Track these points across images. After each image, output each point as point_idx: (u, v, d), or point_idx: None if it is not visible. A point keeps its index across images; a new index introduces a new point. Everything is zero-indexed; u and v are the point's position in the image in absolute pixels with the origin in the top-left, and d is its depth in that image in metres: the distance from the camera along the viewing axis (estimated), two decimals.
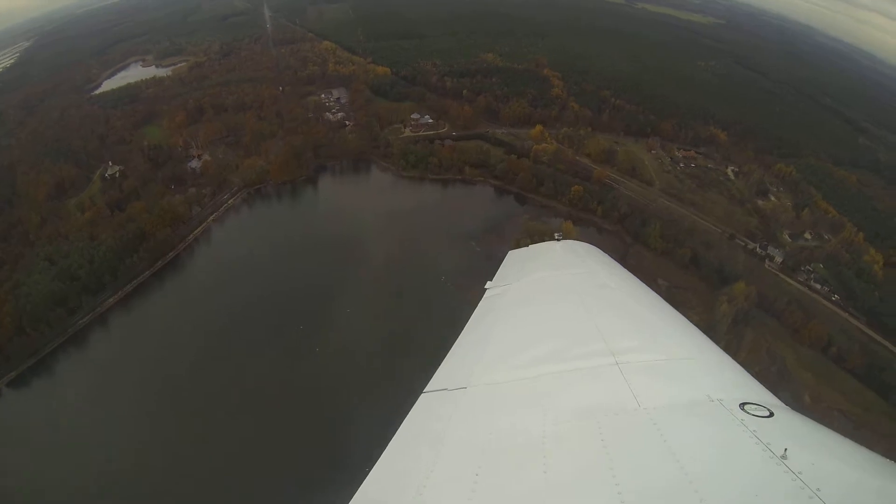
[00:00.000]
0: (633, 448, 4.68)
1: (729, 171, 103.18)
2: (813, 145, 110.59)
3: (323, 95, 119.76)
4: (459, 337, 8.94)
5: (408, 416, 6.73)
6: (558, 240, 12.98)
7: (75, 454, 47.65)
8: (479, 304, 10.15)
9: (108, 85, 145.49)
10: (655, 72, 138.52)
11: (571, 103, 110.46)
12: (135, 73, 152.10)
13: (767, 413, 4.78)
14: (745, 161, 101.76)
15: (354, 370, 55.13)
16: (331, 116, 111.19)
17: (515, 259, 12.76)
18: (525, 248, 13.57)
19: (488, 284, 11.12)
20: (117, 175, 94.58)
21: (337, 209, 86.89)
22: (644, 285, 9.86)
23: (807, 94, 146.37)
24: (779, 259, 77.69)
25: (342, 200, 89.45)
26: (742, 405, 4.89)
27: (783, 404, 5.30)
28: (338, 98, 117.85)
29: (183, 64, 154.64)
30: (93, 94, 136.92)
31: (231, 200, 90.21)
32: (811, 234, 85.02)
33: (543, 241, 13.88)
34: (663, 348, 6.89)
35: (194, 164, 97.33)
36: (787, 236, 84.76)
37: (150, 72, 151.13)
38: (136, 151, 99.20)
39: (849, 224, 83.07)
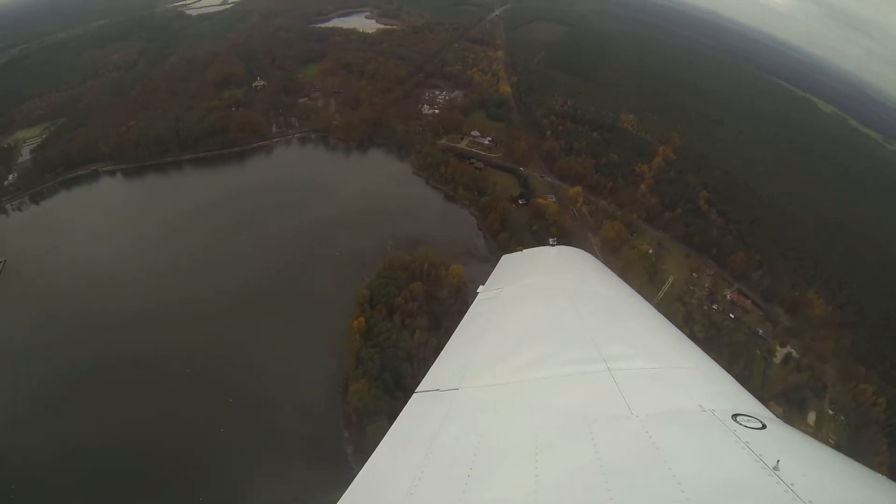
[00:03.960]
0: (626, 455, 4.94)
1: (778, 349, 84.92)
2: None
3: (437, 92, 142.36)
4: (451, 338, 9.84)
5: (399, 415, 7.42)
6: (552, 245, 13.84)
7: None
8: (472, 307, 11.09)
9: (333, 23, 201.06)
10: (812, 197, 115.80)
11: (643, 186, 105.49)
12: (355, 21, 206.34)
13: (760, 425, 5.06)
14: (816, 352, 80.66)
15: None
16: (424, 110, 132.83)
17: (509, 263, 13.50)
18: (519, 252, 14.35)
19: (481, 288, 11.97)
20: (259, 88, 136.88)
21: (338, 169, 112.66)
22: (637, 294, 10.75)
23: None
24: None
25: (349, 166, 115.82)
26: (735, 416, 5.20)
27: (775, 417, 5.69)
28: (446, 98, 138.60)
29: (392, 27, 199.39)
30: (312, 25, 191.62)
31: (298, 135, 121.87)
32: None
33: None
34: (656, 356, 7.42)
35: (304, 101, 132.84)
36: None
37: (368, 24, 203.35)
38: (279, 78, 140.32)
39: None
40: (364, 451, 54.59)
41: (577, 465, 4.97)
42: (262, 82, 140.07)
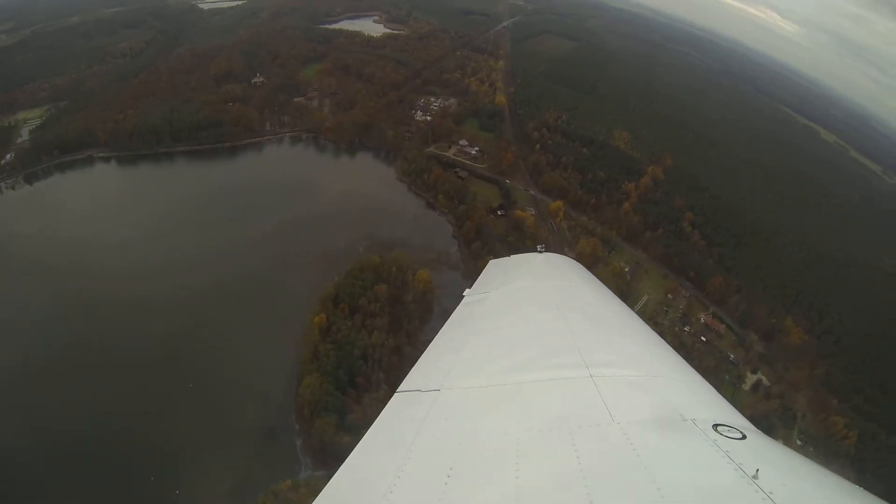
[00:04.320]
0: (606, 461, 5.05)
1: (749, 375, 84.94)
2: None
3: (433, 99, 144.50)
4: (434, 339, 9.95)
5: (380, 415, 7.34)
6: (540, 251, 14.10)
7: None
8: (457, 310, 11.23)
9: (341, 25, 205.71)
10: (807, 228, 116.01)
11: (626, 204, 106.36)
12: (363, 24, 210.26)
13: (740, 435, 5.20)
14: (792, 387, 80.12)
15: None
16: (417, 117, 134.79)
17: (496, 268, 13.84)
18: (506, 258, 14.50)
19: (467, 291, 12.20)
20: (258, 84, 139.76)
21: (324, 170, 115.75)
22: (622, 302, 11.21)
23: None
24: None
25: (335, 168, 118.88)
26: (715, 426, 5.31)
27: (755, 428, 5.83)
28: (439, 105, 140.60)
29: (399, 32, 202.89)
30: (319, 25, 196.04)
31: (290, 134, 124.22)
32: None
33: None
34: (638, 364, 7.60)
35: (300, 100, 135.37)
36: None
37: (376, 28, 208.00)
38: (279, 76, 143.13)
39: None
40: (312, 444, 56.37)
41: (557, 469, 5.03)
42: (261, 79, 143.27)
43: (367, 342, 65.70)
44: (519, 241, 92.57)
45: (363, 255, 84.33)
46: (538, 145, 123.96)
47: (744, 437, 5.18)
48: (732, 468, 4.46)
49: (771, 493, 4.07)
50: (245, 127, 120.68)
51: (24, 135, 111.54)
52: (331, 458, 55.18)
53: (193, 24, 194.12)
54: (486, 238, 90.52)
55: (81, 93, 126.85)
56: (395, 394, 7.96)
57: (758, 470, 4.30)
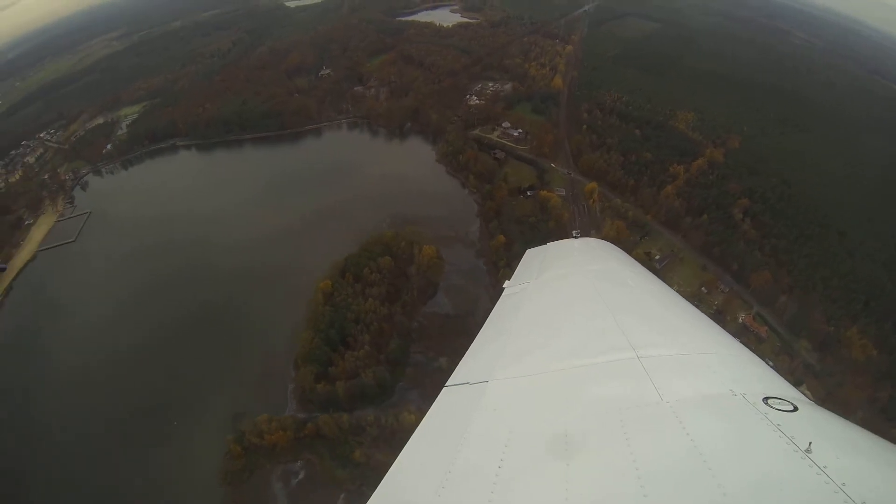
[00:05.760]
0: (656, 441, 5.12)
1: None
2: None
3: (491, 84, 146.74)
4: (480, 332, 10.10)
5: (430, 409, 7.58)
6: (576, 237, 15.04)
7: None
8: (499, 302, 11.46)
9: (420, 16, 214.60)
10: None
11: (669, 187, 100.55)
12: (440, 15, 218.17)
13: (791, 408, 5.17)
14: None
15: None
16: (472, 101, 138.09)
17: (533, 257, 14.31)
18: (542, 246, 14.89)
19: (506, 283, 12.45)
20: (325, 76, 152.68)
21: (371, 153, 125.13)
22: (663, 283, 11.41)
23: None
24: None
25: (382, 151, 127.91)
26: (765, 399, 5.31)
27: (807, 399, 5.79)
28: (494, 90, 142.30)
29: (473, 20, 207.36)
30: (397, 18, 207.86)
31: (346, 120, 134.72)
32: None
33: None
34: (684, 343, 7.66)
35: (359, 89, 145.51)
36: None
37: (451, 18, 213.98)
38: (344, 68, 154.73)
39: None
40: (298, 390, 64.01)
41: (607, 454, 5.10)
42: (327, 71, 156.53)
43: (361, 307, 71.52)
44: (541, 221, 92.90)
45: (385, 230, 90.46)
46: (585, 126, 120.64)
47: (795, 409, 5.15)
48: (784, 442, 4.45)
49: (825, 466, 4.04)
50: (305, 116, 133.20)
51: (123, 128, 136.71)
52: (310, 402, 64.11)
53: (278, 22, 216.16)
54: (503, 218, 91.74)
55: (172, 91, 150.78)
56: (444, 388, 8.10)
57: (810, 443, 4.30)
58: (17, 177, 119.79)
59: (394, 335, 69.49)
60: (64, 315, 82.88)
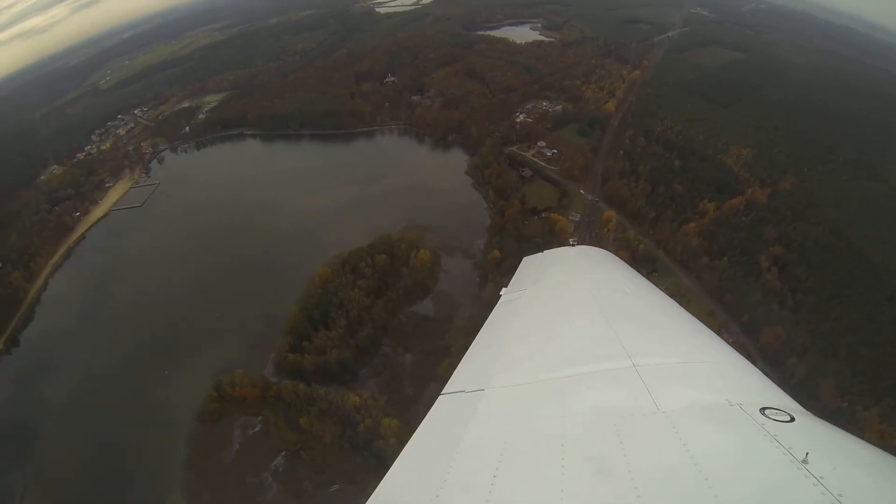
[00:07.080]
0: (652, 451, 5.16)
1: None
2: None
3: (545, 103, 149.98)
4: (475, 340, 10.16)
5: (426, 417, 7.63)
6: (573, 245, 15.84)
7: None
8: (495, 309, 11.48)
9: (502, 31, 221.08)
10: None
11: (692, 224, 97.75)
12: (521, 32, 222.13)
13: (788, 418, 5.22)
14: None
15: None
16: (519, 119, 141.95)
17: (530, 264, 14.35)
18: (539, 253, 15.10)
19: (503, 290, 12.53)
20: (389, 83, 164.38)
21: (409, 159, 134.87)
22: (660, 291, 11.46)
23: None
24: None
25: (421, 158, 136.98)
26: (762, 410, 5.34)
27: (804, 410, 5.85)
28: (545, 109, 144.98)
29: (550, 39, 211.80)
30: (472, 32, 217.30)
31: (396, 126, 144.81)
32: None
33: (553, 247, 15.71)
34: (681, 352, 7.75)
35: (416, 98, 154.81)
36: None
37: (530, 35, 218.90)
38: (408, 77, 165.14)
39: None
40: (277, 357, 73.20)
41: (603, 463, 5.14)
42: (392, 78, 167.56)
43: (346, 295, 78.90)
44: (546, 243, 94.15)
45: (397, 233, 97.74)
46: (622, 152, 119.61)
47: (792, 419, 5.23)
48: (781, 452, 4.49)
49: (821, 477, 4.07)
50: (359, 119, 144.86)
51: (203, 113, 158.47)
52: (283, 369, 74.14)
53: (364, 26, 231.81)
54: (507, 235, 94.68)
55: (251, 84, 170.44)
56: (440, 396, 8.24)
57: (807, 454, 4.33)
58: (108, 145, 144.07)
59: (368, 325, 76.22)
60: (119, 261, 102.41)
